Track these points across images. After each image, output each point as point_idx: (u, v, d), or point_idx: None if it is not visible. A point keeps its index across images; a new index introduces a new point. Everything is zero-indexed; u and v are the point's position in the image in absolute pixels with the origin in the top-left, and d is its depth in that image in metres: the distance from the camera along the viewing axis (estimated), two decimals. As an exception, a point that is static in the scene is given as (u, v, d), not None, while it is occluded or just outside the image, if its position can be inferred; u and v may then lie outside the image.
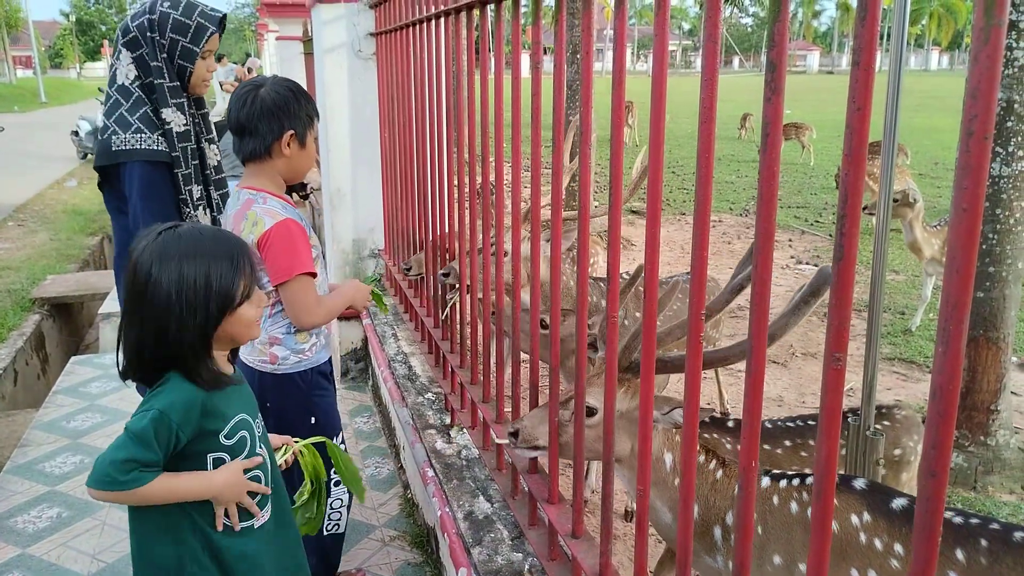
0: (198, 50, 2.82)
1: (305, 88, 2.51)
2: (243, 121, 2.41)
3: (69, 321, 7.93)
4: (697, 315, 1.38)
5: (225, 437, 1.80)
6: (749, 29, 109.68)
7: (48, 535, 3.48)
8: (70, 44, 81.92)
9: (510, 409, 2.73)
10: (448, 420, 3.39)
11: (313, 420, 2.63)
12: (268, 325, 2.53)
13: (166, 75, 2.80)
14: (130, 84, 2.82)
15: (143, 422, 1.68)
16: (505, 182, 2.77)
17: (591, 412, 1.99)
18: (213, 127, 3.08)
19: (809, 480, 1.89)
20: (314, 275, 2.46)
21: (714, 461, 1.98)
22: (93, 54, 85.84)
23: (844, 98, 1.09)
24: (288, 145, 2.44)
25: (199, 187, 2.94)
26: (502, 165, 2.60)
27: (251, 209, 2.41)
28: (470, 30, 2.87)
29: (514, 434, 2.15)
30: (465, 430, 3.20)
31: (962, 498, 4.13)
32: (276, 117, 2.40)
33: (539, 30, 2.11)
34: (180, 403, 1.72)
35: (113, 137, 2.79)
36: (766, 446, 2.72)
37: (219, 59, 13.27)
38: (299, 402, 2.60)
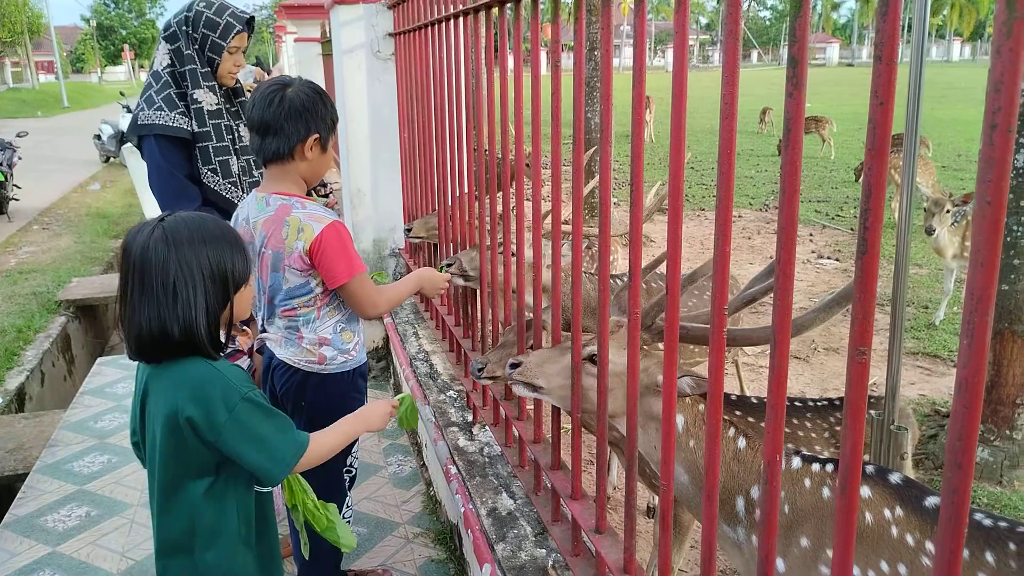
0: (224, 44, 3.20)
1: (324, 89, 2.52)
2: (268, 120, 2.39)
3: (94, 323, 8.02)
4: (720, 309, 1.38)
5: None
6: (768, 23, 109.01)
7: (77, 534, 3.54)
8: (91, 49, 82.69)
9: (532, 407, 2.74)
10: (470, 417, 3.40)
11: None
12: (318, 326, 2.55)
13: (197, 62, 3.20)
14: (162, 70, 3.22)
15: (248, 406, 1.78)
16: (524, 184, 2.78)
17: (596, 361, 2.01)
18: None
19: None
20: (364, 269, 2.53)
21: (732, 430, 1.97)
22: (114, 58, 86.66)
23: (865, 91, 1.10)
24: (311, 148, 2.44)
25: (235, 160, 3.31)
26: (522, 163, 2.61)
27: (291, 215, 2.42)
28: (488, 29, 2.88)
29: (515, 365, 2.18)
30: (487, 427, 3.22)
31: (988, 493, 4.10)
32: (303, 119, 2.39)
33: (559, 28, 2.11)
34: (242, 376, 1.85)
35: (140, 113, 3.22)
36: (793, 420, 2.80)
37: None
38: (335, 402, 2.60)
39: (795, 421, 2.84)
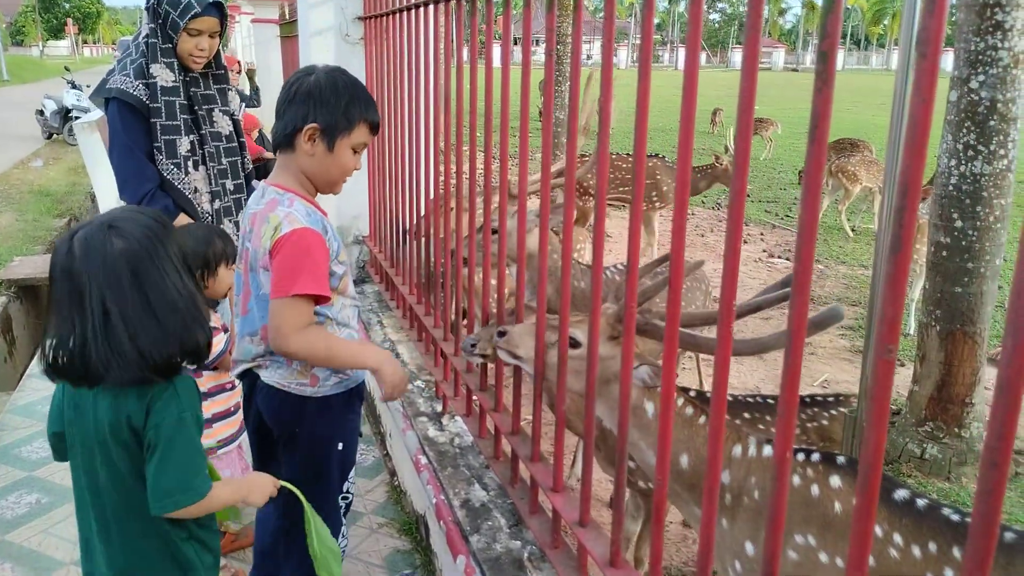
0: (181, 23, 3.19)
1: (345, 84, 2.19)
2: (278, 106, 2.21)
3: (36, 304, 7.76)
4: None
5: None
6: (716, 25, 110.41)
7: (27, 521, 3.42)
8: (32, 22, 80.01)
9: (509, 398, 2.73)
10: (439, 408, 3.38)
11: (340, 446, 2.42)
12: None
13: (159, 37, 3.22)
14: (141, 40, 3.25)
15: (184, 426, 1.71)
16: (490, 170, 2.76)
17: (575, 344, 2.10)
18: (235, 102, 3.54)
19: (815, 457, 1.96)
20: (318, 299, 2.15)
21: (703, 417, 2.04)
22: (56, 32, 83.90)
23: (810, 95, 1.14)
24: (309, 140, 2.16)
25: (188, 140, 3.29)
26: (507, 152, 2.59)
27: (275, 211, 2.15)
28: (473, 17, 2.85)
29: (502, 333, 2.27)
30: (458, 417, 3.20)
31: (937, 488, 4.22)
32: (305, 104, 2.14)
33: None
34: (195, 391, 1.78)
35: (110, 77, 3.26)
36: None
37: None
38: (331, 427, 2.38)
39: (767, 416, 2.88)
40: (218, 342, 2.71)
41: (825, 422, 2.89)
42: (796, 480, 1.92)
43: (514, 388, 2.57)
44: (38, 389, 4.75)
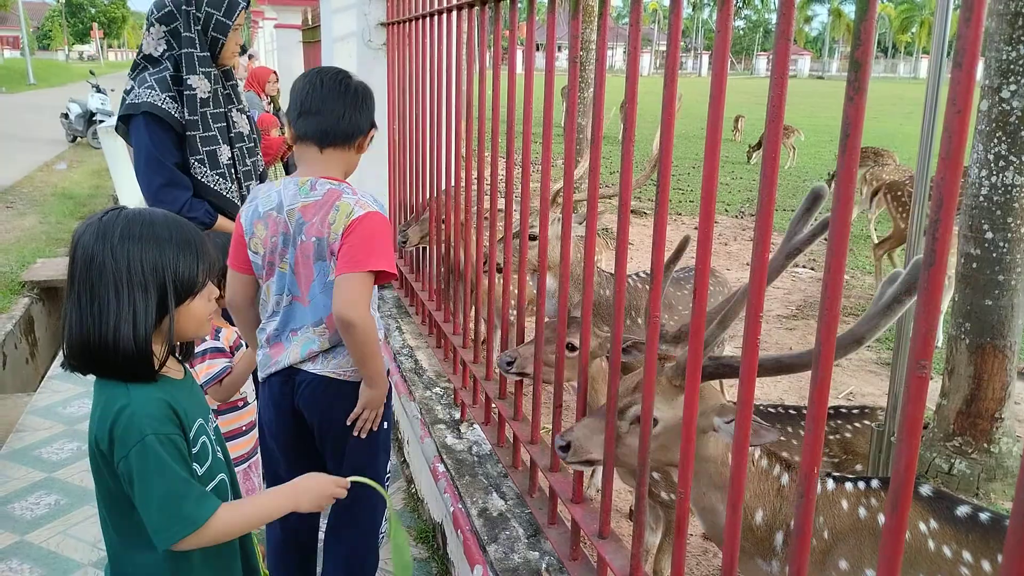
0: (230, 23, 3.12)
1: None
2: (321, 102, 2.26)
3: (58, 305, 7.83)
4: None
5: (191, 445, 1.64)
6: (741, 32, 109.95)
7: (47, 522, 3.43)
8: (59, 26, 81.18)
9: (528, 408, 2.70)
10: (458, 415, 3.35)
11: (386, 424, 2.52)
12: None
13: (197, 46, 3.08)
14: (159, 55, 3.11)
15: (148, 453, 1.52)
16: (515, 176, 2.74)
17: (654, 422, 1.85)
18: (243, 97, 3.40)
19: (874, 484, 1.90)
20: (390, 276, 2.28)
21: (779, 465, 1.93)
22: (82, 36, 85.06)
23: (835, 103, 1.10)
24: (369, 141, 2.38)
25: (227, 149, 3.20)
26: (528, 158, 2.57)
27: (341, 200, 2.25)
28: (497, 24, 2.83)
29: (564, 447, 1.97)
30: (477, 425, 3.17)
31: (964, 505, 4.14)
32: (366, 107, 2.33)
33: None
34: (157, 412, 1.56)
35: (130, 94, 3.09)
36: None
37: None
38: (385, 411, 2.49)
39: (788, 428, 2.83)
40: (212, 365, 2.67)
41: (848, 435, 2.83)
42: (862, 512, 1.85)
43: (534, 397, 2.54)
44: (59, 391, 4.78)
